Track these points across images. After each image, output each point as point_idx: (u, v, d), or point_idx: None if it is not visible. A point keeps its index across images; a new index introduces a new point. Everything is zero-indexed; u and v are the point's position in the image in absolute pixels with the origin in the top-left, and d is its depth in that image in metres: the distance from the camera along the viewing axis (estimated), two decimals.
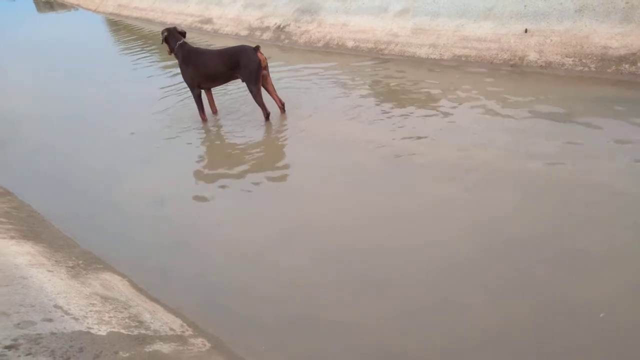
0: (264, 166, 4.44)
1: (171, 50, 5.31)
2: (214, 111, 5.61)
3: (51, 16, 18.95)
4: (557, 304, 2.48)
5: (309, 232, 3.38)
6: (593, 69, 5.01)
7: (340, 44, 7.62)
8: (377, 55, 6.98)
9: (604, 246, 2.78)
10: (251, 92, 5.07)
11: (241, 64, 4.96)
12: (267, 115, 5.15)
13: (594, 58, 5.04)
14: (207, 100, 5.53)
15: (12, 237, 3.36)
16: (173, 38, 5.26)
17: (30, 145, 5.70)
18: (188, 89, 5.48)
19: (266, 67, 5.04)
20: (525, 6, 5.83)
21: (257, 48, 4.95)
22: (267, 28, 9.08)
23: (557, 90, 4.90)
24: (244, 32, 9.55)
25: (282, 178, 4.21)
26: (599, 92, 4.67)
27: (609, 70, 4.89)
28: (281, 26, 8.80)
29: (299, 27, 8.49)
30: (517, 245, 2.91)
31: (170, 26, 5.62)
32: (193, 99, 5.42)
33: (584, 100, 4.56)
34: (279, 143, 4.90)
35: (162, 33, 5.30)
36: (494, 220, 3.16)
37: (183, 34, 5.35)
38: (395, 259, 2.99)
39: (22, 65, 10.08)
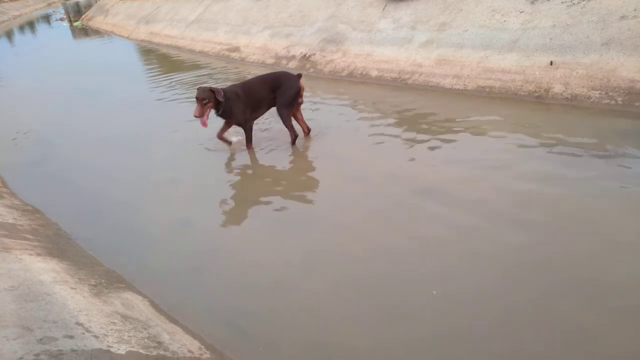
0: (289, 192, 4.46)
1: (217, 104, 4.94)
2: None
3: (86, 42, 19.72)
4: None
5: (330, 259, 3.37)
6: (620, 103, 4.95)
7: (364, 73, 7.71)
8: (401, 85, 7.04)
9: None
10: (281, 115, 5.16)
11: (282, 87, 5.08)
12: (294, 139, 5.22)
13: (621, 91, 4.99)
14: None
15: (39, 254, 3.43)
16: (216, 96, 4.89)
17: (62, 165, 5.85)
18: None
19: (302, 95, 5.18)
20: (550, 39, 5.83)
21: (299, 75, 5.12)
22: (293, 57, 9.27)
23: (583, 122, 4.85)
24: (270, 61, 9.76)
25: (306, 205, 4.22)
26: (627, 125, 4.61)
27: (637, 104, 4.83)
28: (307, 55, 8.98)
29: (324, 56, 8.65)
30: (535, 274, 2.86)
31: (205, 87, 4.97)
32: (219, 128, 5.33)
33: (611, 133, 4.51)
34: (304, 170, 4.93)
35: (202, 100, 4.83)
36: (514, 252, 3.11)
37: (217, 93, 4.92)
38: (416, 288, 2.95)
39: (59, 86, 10.47)
